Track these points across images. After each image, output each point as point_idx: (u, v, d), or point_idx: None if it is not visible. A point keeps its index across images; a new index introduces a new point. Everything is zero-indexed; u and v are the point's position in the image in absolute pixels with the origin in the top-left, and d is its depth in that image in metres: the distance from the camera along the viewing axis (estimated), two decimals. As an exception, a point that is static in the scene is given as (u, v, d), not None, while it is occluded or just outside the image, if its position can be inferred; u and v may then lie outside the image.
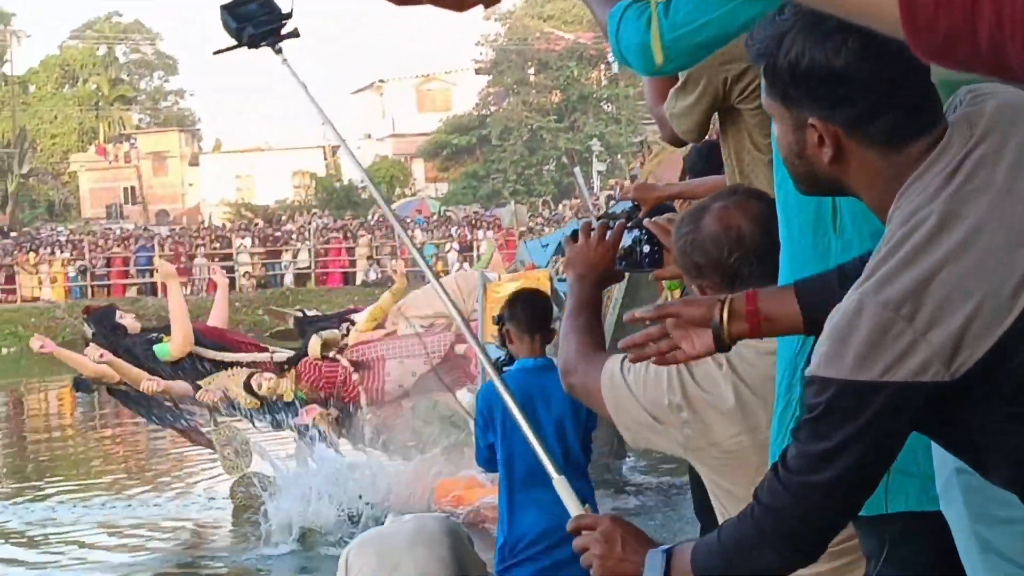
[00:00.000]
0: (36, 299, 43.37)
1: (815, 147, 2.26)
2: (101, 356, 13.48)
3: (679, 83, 4.64)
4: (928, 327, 2.07)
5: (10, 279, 43.79)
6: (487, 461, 6.49)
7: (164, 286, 43.13)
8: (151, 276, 43.89)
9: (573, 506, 2.71)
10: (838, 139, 2.23)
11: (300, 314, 14.68)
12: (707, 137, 5.14)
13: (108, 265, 44.40)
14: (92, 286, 43.77)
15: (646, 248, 3.43)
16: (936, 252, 2.09)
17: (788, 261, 2.90)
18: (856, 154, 2.23)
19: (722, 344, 2.65)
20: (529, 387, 6.31)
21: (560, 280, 13.30)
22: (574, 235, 3.44)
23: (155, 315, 41.45)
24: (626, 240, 3.43)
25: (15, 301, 43.11)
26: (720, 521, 3.21)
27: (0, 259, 44.48)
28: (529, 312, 6.35)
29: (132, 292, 43.71)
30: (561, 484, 2.76)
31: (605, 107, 63.70)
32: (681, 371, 3.11)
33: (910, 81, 2.19)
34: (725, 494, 3.18)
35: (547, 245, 16.96)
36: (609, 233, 3.40)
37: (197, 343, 13.67)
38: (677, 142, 5.01)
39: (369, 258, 44.53)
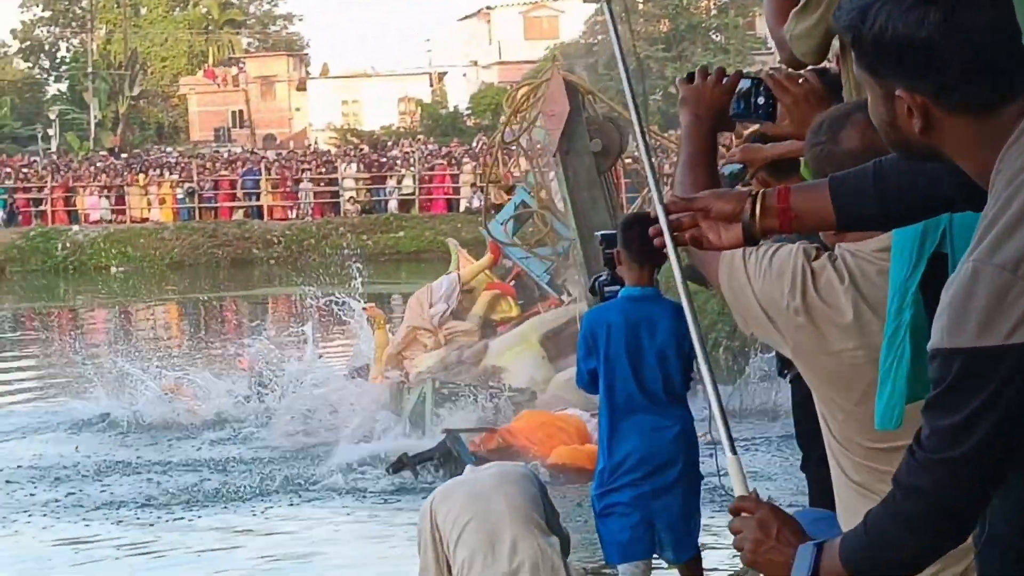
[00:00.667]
0: (145, 220, 44.01)
1: (905, 118, 2.22)
2: None
3: (800, 4, 4.56)
4: None
5: (120, 200, 44.42)
6: (587, 384, 6.51)
7: (270, 210, 43.70)
8: (258, 199, 44.30)
9: (740, 487, 2.69)
10: (926, 109, 2.18)
11: None
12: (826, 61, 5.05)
13: (216, 188, 44.85)
14: (200, 208, 44.27)
15: (760, 100, 3.30)
16: None
17: None
18: (947, 123, 2.18)
19: (751, 239, 2.68)
20: (634, 315, 6.30)
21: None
22: (689, 76, 3.30)
23: (260, 238, 42.08)
24: (743, 85, 3.31)
25: (124, 222, 43.75)
26: (827, 443, 3.17)
27: (110, 180, 45.09)
28: (641, 240, 6.28)
29: (239, 215, 44.16)
30: (733, 465, 2.73)
31: (714, 36, 63.02)
32: (806, 276, 3.03)
33: (997, 48, 2.13)
34: (831, 405, 3.11)
35: (505, 221, 17.09)
36: (726, 79, 3.30)
37: None
38: (796, 64, 4.93)
39: (473, 185, 44.53)
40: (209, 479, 12.98)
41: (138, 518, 11.68)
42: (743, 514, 2.57)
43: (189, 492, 12.44)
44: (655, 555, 6.57)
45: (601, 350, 6.31)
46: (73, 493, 12.66)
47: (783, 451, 12.76)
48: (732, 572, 6.42)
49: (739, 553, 2.58)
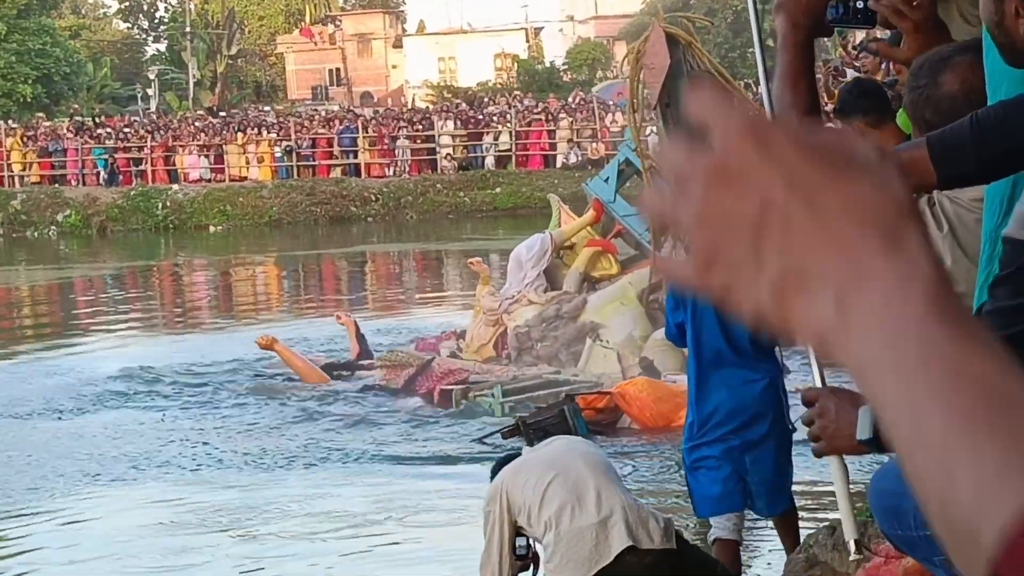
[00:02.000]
0: (244, 179, 44.37)
1: (1012, 18, 2.17)
2: None
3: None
4: None
5: (219, 159, 44.81)
6: (676, 338, 6.48)
7: (368, 167, 43.92)
8: (355, 157, 44.51)
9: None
10: None
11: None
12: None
13: (313, 146, 45.11)
14: (298, 166, 44.55)
15: (860, 4, 3.07)
16: None
17: None
18: None
19: None
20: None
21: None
22: None
23: (358, 196, 42.34)
24: None
25: (223, 180, 44.15)
26: None
27: (209, 139, 45.50)
28: None
29: (336, 173, 44.38)
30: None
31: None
32: None
33: None
34: None
35: (608, 179, 16.85)
36: None
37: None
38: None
39: (570, 141, 44.45)
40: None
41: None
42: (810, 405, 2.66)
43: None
44: (747, 508, 6.55)
45: (689, 303, 6.26)
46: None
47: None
48: (827, 524, 6.35)
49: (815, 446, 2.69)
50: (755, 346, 6.26)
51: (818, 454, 2.71)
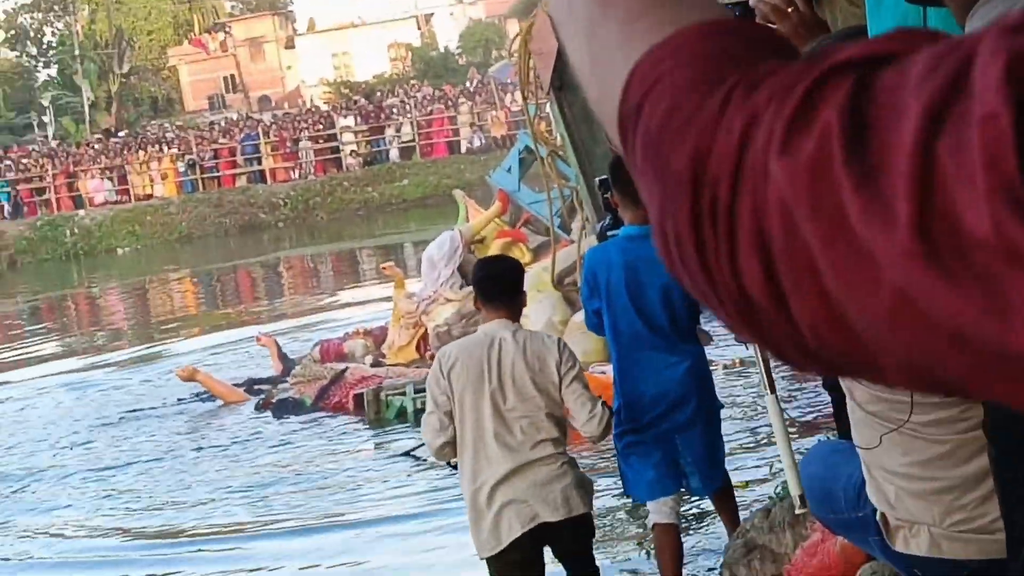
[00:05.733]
0: (149, 197, 43.92)
1: None
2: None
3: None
4: None
5: (122, 179, 44.30)
6: (595, 326, 6.41)
7: (273, 172, 43.59)
8: (259, 163, 44.17)
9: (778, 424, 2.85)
10: None
11: None
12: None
13: (216, 157, 44.72)
14: (203, 179, 44.14)
15: (737, 13, 3.08)
16: None
17: None
18: None
19: None
20: (632, 253, 6.19)
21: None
22: None
23: (266, 202, 42.02)
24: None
25: (128, 201, 43.67)
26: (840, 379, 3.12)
27: (111, 161, 44.97)
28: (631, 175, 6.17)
29: (242, 181, 44.02)
30: (772, 404, 2.84)
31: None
32: None
33: None
34: None
35: (510, 168, 16.79)
36: None
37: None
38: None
39: (472, 125, 44.37)
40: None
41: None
42: None
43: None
44: (683, 489, 6.51)
45: (603, 290, 6.21)
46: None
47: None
48: (762, 507, 6.31)
49: None
50: (674, 327, 6.22)
51: None
